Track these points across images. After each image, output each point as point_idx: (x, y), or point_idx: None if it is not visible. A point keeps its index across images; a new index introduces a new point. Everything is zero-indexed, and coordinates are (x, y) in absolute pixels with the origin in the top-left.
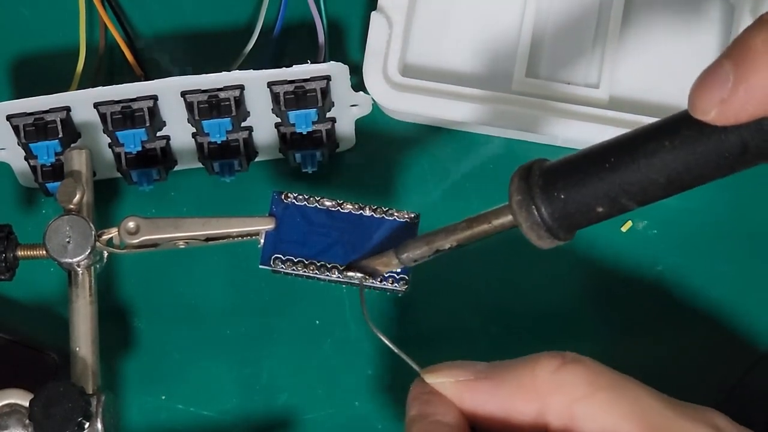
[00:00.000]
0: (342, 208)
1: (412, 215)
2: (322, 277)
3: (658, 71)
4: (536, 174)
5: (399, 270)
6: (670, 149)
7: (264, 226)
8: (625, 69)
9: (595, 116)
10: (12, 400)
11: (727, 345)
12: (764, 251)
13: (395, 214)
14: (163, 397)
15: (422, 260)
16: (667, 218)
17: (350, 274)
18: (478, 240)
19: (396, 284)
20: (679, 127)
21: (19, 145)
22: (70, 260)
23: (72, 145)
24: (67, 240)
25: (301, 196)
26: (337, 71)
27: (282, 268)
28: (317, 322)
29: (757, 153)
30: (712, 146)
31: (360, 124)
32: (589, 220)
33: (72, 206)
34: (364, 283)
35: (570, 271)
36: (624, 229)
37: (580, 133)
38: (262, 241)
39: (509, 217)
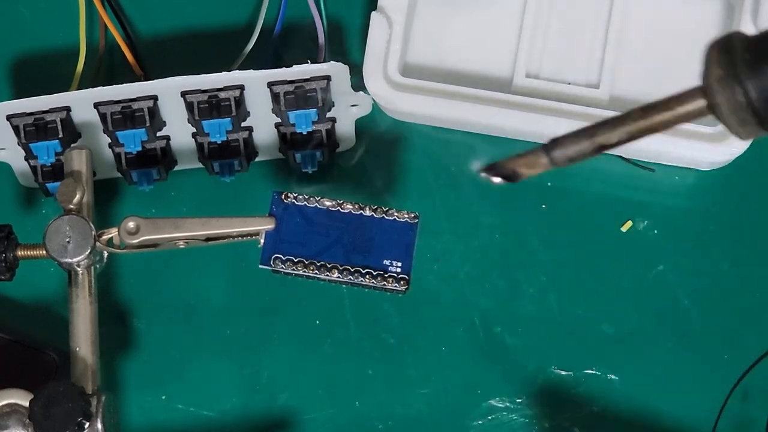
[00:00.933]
0: (342, 208)
1: (412, 215)
2: (322, 276)
3: (658, 71)
4: (740, 47)
5: (400, 269)
6: None
7: (264, 226)
8: (626, 69)
9: (595, 116)
10: (12, 400)
11: (728, 345)
12: (764, 251)
13: (395, 214)
14: (163, 397)
15: (579, 159)
16: (667, 218)
17: (495, 179)
18: (657, 132)
19: (397, 284)
20: None
21: (19, 145)
22: (70, 260)
23: (72, 145)
24: (67, 240)
25: (301, 196)
26: (337, 71)
27: (282, 268)
28: (317, 322)
29: None
30: None
31: (360, 124)
32: None
33: (72, 206)
34: (364, 283)
35: (570, 271)
36: (624, 229)
37: None
38: (262, 241)
39: (701, 103)
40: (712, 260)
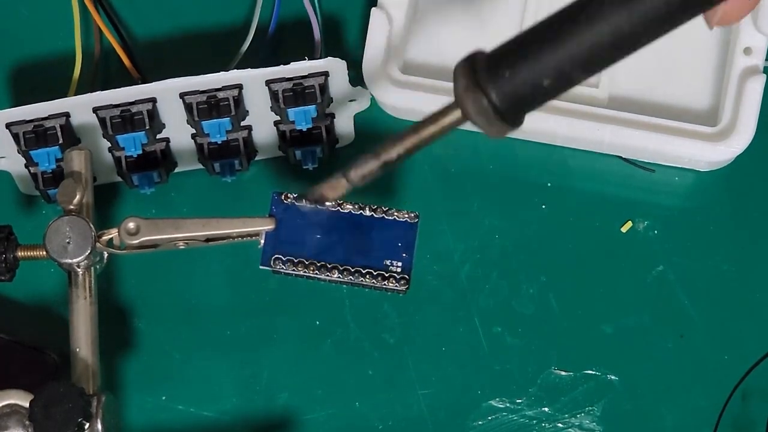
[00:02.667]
0: (342, 208)
1: (412, 215)
2: (322, 277)
3: (657, 70)
4: (480, 59)
5: (400, 269)
6: (610, 6)
7: (264, 226)
8: (625, 68)
9: (594, 115)
10: (12, 401)
11: (728, 345)
12: (764, 251)
13: (395, 213)
14: (164, 398)
15: (371, 177)
16: (667, 218)
17: (307, 204)
18: (427, 144)
19: (397, 284)
20: None
21: (19, 152)
22: (70, 261)
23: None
24: (67, 241)
25: (301, 197)
26: (335, 67)
27: (282, 268)
28: (317, 322)
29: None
30: None
31: (360, 122)
32: (535, 96)
33: (72, 207)
34: (364, 283)
35: (570, 271)
36: (624, 229)
37: (579, 132)
38: (263, 241)
39: (457, 113)
40: (712, 260)
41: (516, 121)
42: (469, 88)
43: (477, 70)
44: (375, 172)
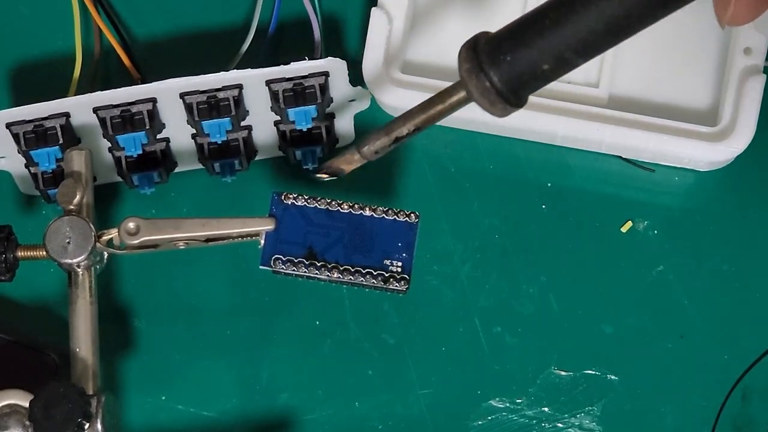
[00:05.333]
0: (342, 208)
1: (412, 215)
2: (322, 277)
3: (657, 70)
4: (482, 42)
5: (400, 269)
6: None
7: (264, 226)
8: (625, 68)
9: (594, 115)
10: (12, 401)
11: (728, 344)
12: (764, 251)
13: (395, 213)
14: (163, 398)
15: (383, 152)
16: (667, 218)
17: (323, 177)
18: (435, 121)
19: (397, 284)
20: None
21: (19, 152)
22: (70, 261)
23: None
24: (67, 241)
25: (301, 197)
26: (335, 67)
27: (282, 268)
28: (317, 322)
29: None
30: None
31: (360, 122)
32: (536, 79)
33: (72, 207)
34: (364, 283)
35: (570, 271)
36: (624, 229)
37: (579, 132)
38: (263, 241)
39: (462, 93)
40: (712, 260)
41: (519, 102)
42: (473, 72)
43: (479, 54)
44: (386, 148)
